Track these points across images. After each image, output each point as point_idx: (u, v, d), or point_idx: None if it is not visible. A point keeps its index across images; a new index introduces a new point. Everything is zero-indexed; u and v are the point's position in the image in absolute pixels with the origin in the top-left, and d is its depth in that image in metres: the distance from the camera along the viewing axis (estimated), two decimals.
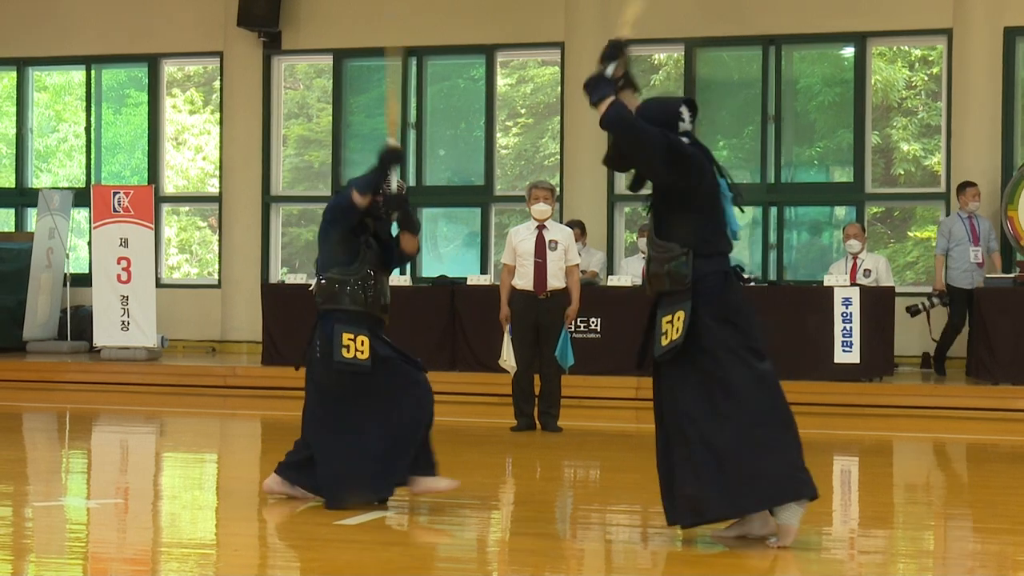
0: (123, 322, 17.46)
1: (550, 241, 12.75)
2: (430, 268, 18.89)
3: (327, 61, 19.61)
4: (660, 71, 19.31)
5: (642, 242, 16.62)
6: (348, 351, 8.36)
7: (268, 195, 19.62)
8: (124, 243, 17.47)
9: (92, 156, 20.42)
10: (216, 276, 20.04)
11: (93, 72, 20.43)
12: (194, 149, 21.64)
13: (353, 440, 8.47)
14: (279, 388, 15.67)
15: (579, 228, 16.51)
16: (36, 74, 20.97)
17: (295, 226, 20.61)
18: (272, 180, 19.66)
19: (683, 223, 7.64)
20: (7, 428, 13.95)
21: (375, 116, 19.56)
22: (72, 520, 8.57)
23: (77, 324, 18.61)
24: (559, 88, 18.67)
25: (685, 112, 7.77)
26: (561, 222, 17.83)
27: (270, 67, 19.56)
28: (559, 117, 18.67)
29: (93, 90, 20.46)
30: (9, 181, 20.94)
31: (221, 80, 19.77)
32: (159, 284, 18.73)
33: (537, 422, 12.84)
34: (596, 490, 10.55)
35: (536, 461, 11.60)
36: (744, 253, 18.70)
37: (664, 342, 7.55)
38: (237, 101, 19.57)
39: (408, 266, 18.76)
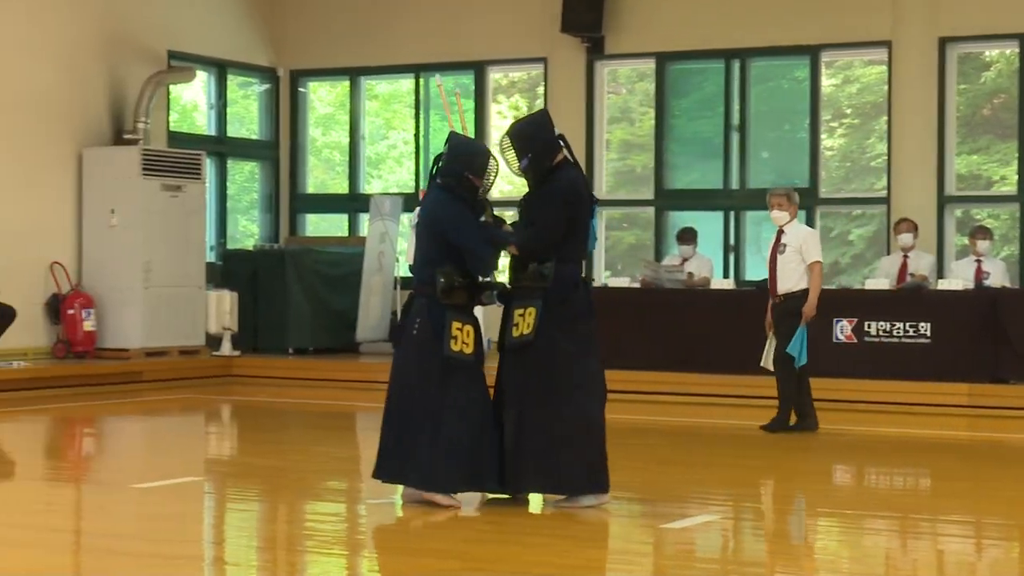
0: None
1: (781, 245, 12.88)
2: (754, 271, 18.72)
3: (650, 65, 19.62)
4: (991, 68, 18.75)
5: (983, 245, 16.04)
6: (456, 343, 8.53)
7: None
8: None
9: (420, 162, 20.90)
10: None
11: (421, 80, 20.91)
12: None
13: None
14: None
15: (910, 223, 16.34)
16: (368, 83, 21.58)
17: (617, 230, 20.70)
18: (595, 184, 19.76)
19: None
20: (341, 427, 14.39)
21: (697, 119, 19.50)
22: (404, 518, 8.76)
23: None
24: (886, 87, 18.29)
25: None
26: (888, 224, 17.54)
27: (593, 72, 19.68)
28: (886, 117, 18.28)
29: (421, 98, 20.93)
30: (343, 187, 21.60)
31: (545, 86, 19.98)
32: None
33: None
34: (926, 498, 10.29)
35: (863, 466, 11.40)
36: None
37: (515, 333, 8.62)
38: (561, 106, 19.73)
39: (732, 269, 18.66)
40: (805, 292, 12.77)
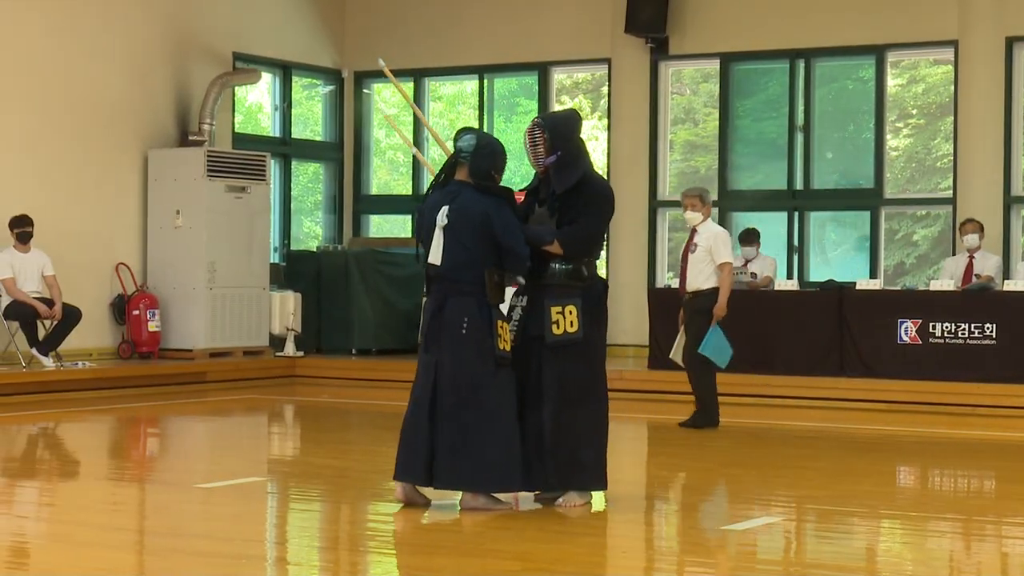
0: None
1: (693, 244, 13.13)
2: (817, 272, 18.64)
3: (714, 65, 19.55)
4: None
5: None
6: (501, 341, 8.60)
7: (655, 200, 19.70)
8: None
9: None
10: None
11: (486, 81, 20.94)
12: None
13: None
14: (665, 392, 15.72)
15: (976, 223, 16.27)
16: (432, 84, 21.63)
17: (681, 231, 20.64)
18: (658, 185, 19.74)
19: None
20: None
21: (762, 120, 19.42)
22: (465, 519, 8.76)
23: None
24: (952, 88, 18.15)
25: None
26: (954, 225, 17.40)
27: (657, 73, 19.64)
28: (952, 118, 18.14)
29: (485, 99, 20.96)
30: (406, 188, 21.67)
31: (609, 86, 19.96)
32: None
33: None
34: (991, 500, 10.22)
35: (927, 468, 11.32)
36: None
37: (557, 331, 8.64)
38: (624, 107, 19.72)
39: (796, 269, 18.59)
40: (713, 291, 13.01)
